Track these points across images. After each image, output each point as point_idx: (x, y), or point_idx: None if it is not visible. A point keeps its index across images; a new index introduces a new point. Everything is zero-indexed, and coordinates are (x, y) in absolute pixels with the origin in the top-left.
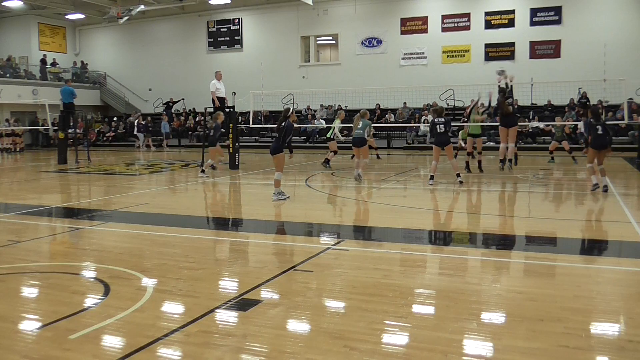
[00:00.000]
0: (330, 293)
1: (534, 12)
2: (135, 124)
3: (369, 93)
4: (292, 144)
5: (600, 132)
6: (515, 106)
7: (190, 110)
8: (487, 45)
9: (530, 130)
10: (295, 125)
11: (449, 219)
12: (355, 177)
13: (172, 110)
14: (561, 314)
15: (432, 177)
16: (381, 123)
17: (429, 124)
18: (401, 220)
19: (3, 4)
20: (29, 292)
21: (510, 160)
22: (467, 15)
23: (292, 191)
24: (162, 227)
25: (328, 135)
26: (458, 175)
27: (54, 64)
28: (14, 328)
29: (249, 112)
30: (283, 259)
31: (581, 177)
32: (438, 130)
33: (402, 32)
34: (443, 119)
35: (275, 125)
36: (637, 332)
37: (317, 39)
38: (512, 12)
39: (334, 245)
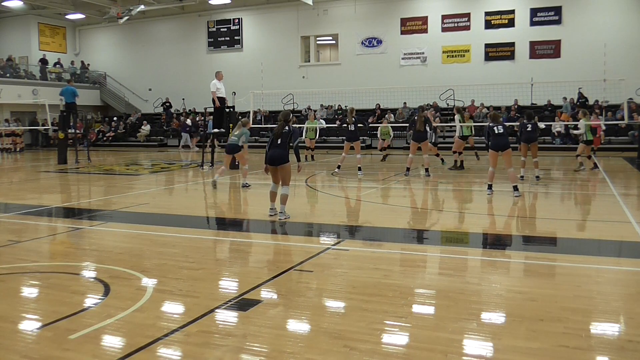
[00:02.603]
0: (330, 293)
1: (534, 12)
2: (183, 123)
3: (369, 93)
4: (358, 156)
5: (498, 132)
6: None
7: (190, 110)
8: (487, 45)
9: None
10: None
11: (448, 218)
12: (213, 182)
13: (172, 111)
14: (561, 314)
15: (490, 187)
16: (381, 123)
17: (486, 131)
18: (401, 220)
19: (3, 4)
20: (29, 292)
21: (427, 169)
22: (467, 15)
23: (292, 191)
24: (162, 227)
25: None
26: (515, 188)
27: (57, 63)
28: (14, 328)
29: (249, 112)
30: (283, 259)
31: (581, 177)
32: (496, 132)
33: (402, 32)
34: (495, 124)
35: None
36: (637, 332)
37: (317, 39)
38: (512, 12)
39: (334, 245)
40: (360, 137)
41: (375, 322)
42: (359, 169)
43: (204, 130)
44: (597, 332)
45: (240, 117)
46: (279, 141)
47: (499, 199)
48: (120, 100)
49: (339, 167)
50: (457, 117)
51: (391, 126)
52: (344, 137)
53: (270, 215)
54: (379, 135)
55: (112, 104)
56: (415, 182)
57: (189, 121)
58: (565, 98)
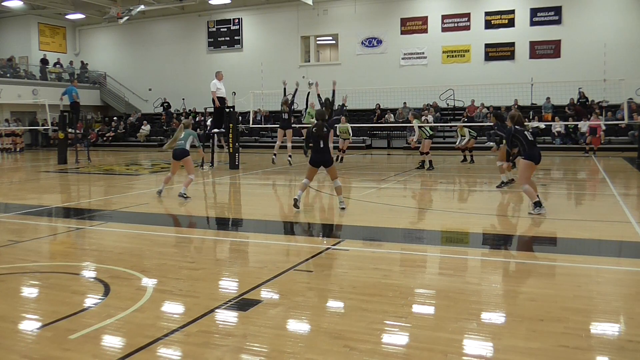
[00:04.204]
0: (330, 293)
1: (534, 12)
2: (208, 122)
3: (369, 93)
4: (289, 145)
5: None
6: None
7: (190, 110)
8: (487, 45)
9: (530, 131)
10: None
11: (448, 219)
12: (158, 191)
13: (173, 111)
14: (561, 314)
15: (540, 204)
16: (381, 123)
17: (511, 135)
18: (401, 220)
19: (3, 4)
20: (29, 292)
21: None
22: (467, 15)
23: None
24: (162, 227)
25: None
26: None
27: (57, 63)
28: (14, 328)
29: (249, 112)
30: (283, 259)
31: (581, 177)
32: (529, 138)
33: (402, 32)
34: (525, 128)
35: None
36: (637, 332)
37: (317, 39)
38: (512, 12)
39: (334, 245)
40: (294, 126)
41: (375, 322)
42: (289, 156)
43: (204, 130)
44: (597, 332)
45: (181, 119)
46: (321, 144)
47: (499, 199)
48: (120, 100)
49: (275, 155)
50: (415, 122)
51: (351, 126)
52: (278, 124)
53: (294, 205)
54: (338, 134)
55: (112, 104)
56: (414, 182)
57: None
58: (549, 98)
